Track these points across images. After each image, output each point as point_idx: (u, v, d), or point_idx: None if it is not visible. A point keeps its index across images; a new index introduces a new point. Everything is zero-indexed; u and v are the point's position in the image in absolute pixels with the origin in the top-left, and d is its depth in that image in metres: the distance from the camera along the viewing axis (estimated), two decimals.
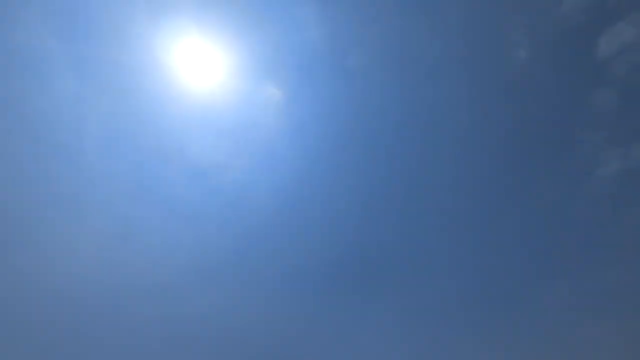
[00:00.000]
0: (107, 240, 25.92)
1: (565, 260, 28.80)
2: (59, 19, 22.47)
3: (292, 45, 24.29)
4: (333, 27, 23.79)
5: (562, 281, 28.35)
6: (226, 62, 24.78)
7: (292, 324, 28.05)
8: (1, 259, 24.22)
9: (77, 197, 25.30)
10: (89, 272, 25.71)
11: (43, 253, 25.02)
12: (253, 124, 26.22)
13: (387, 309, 28.67)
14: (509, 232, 29.42)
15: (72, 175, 24.83)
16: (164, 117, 25.51)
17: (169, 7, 22.91)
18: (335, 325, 28.26)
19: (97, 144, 25.00)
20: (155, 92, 24.80)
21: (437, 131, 26.89)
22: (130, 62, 23.78)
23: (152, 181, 26.46)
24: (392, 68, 24.98)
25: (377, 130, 26.62)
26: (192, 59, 24.33)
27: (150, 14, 22.82)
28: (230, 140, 26.53)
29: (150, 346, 26.28)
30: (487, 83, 26.35)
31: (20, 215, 24.55)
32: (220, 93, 25.37)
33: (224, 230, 27.75)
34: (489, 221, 28.96)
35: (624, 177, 28.20)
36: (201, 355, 26.90)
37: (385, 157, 27.35)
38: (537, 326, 27.85)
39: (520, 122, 28.18)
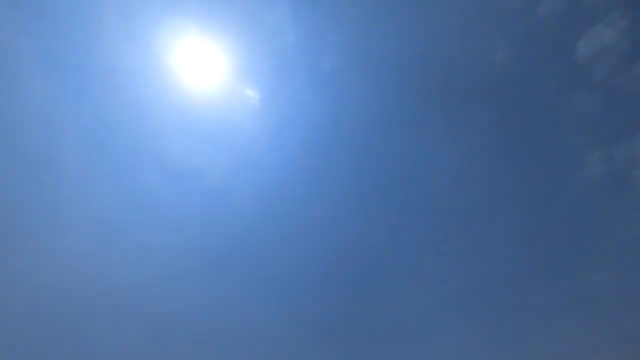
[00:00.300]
0: (88, 244, 25.79)
1: (551, 262, 29.01)
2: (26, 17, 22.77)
3: (268, 49, 25.00)
4: (308, 29, 24.59)
5: (548, 283, 28.48)
6: (205, 66, 25.26)
7: (276, 324, 27.96)
8: None
9: (58, 200, 25.22)
10: (70, 275, 25.56)
11: (23, 257, 24.84)
12: (232, 127, 26.55)
13: (378, 311, 28.78)
14: (495, 235, 29.70)
15: (53, 179, 24.79)
16: (145, 121, 25.74)
17: (143, 10, 23.61)
18: (321, 326, 28.40)
19: (77, 147, 25.05)
20: (136, 96, 25.18)
21: (414, 134, 27.57)
22: (109, 65, 24.22)
23: (133, 184, 26.47)
24: (368, 69, 25.73)
25: (355, 131, 27.17)
26: (172, 63, 24.84)
27: (125, 17, 23.42)
28: (209, 144, 26.82)
29: (131, 346, 26.14)
30: (466, 86, 27.11)
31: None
32: (200, 96, 25.74)
33: (206, 233, 27.82)
34: (474, 224, 29.35)
35: (608, 179, 28.65)
36: (184, 355, 26.95)
37: (363, 158, 27.84)
38: (525, 326, 27.90)
39: (500, 126, 28.82)
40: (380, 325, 28.41)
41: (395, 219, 28.67)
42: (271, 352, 27.56)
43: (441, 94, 26.79)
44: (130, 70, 24.46)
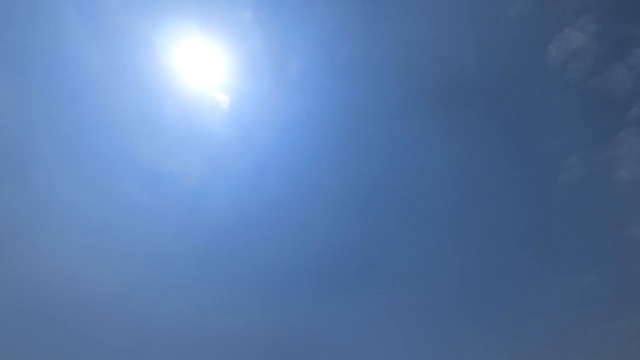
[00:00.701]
0: (61, 248, 25.30)
1: (530, 267, 28.48)
2: None
3: (237, 52, 25.68)
4: (275, 32, 25.19)
5: (528, 288, 27.93)
6: (175, 70, 25.83)
7: (256, 327, 27.16)
8: None
9: (30, 204, 24.98)
10: (40, 280, 24.70)
11: None
12: (203, 130, 27.11)
13: (363, 313, 27.81)
14: (474, 238, 29.36)
15: (24, 183, 24.75)
16: (115, 125, 26.04)
17: (109, 14, 23.96)
18: (299, 330, 27.60)
19: (48, 150, 25.21)
20: (105, 100, 25.52)
21: (384, 134, 27.73)
22: (77, 69, 24.63)
23: (106, 188, 26.51)
24: (337, 71, 26.24)
25: (325, 132, 27.74)
26: (143, 67, 25.33)
27: (89, 21, 23.77)
28: (182, 147, 27.22)
29: (107, 350, 25.25)
30: (437, 90, 27.40)
31: None
32: (169, 100, 26.24)
33: (184, 235, 27.82)
34: (449, 229, 29.12)
35: (587, 182, 28.32)
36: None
37: (333, 158, 28.40)
38: (510, 328, 26.97)
39: (476, 130, 28.93)
40: (368, 327, 27.42)
41: (373, 218, 28.66)
42: (254, 351, 26.55)
43: (413, 97, 27.10)
44: (99, 74, 24.95)
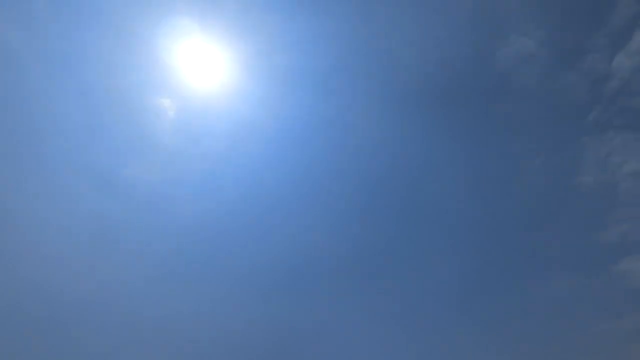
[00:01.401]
0: (21, 261, 24.28)
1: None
2: None
3: (182, 57, 25.89)
4: (219, 36, 25.46)
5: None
6: (122, 75, 25.62)
7: (222, 336, 26.30)
8: None
9: None
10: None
11: None
12: (149, 136, 26.97)
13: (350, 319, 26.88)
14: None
15: None
16: (69, 130, 25.51)
17: (50, 24, 23.86)
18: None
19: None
20: (54, 105, 24.94)
21: (324, 140, 28.48)
22: (23, 71, 23.98)
23: (61, 195, 25.58)
24: (281, 77, 26.92)
25: (273, 136, 28.24)
26: (91, 71, 24.88)
27: (28, 29, 23.48)
28: (133, 154, 26.91)
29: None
30: (392, 93, 28.23)
31: None
32: (114, 105, 25.93)
33: (144, 243, 27.07)
34: (408, 235, 29.33)
35: (549, 186, 28.78)
36: None
37: (282, 163, 28.80)
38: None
39: (439, 135, 29.50)
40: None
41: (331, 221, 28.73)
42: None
43: (365, 98, 27.97)
44: (45, 78, 24.29)
